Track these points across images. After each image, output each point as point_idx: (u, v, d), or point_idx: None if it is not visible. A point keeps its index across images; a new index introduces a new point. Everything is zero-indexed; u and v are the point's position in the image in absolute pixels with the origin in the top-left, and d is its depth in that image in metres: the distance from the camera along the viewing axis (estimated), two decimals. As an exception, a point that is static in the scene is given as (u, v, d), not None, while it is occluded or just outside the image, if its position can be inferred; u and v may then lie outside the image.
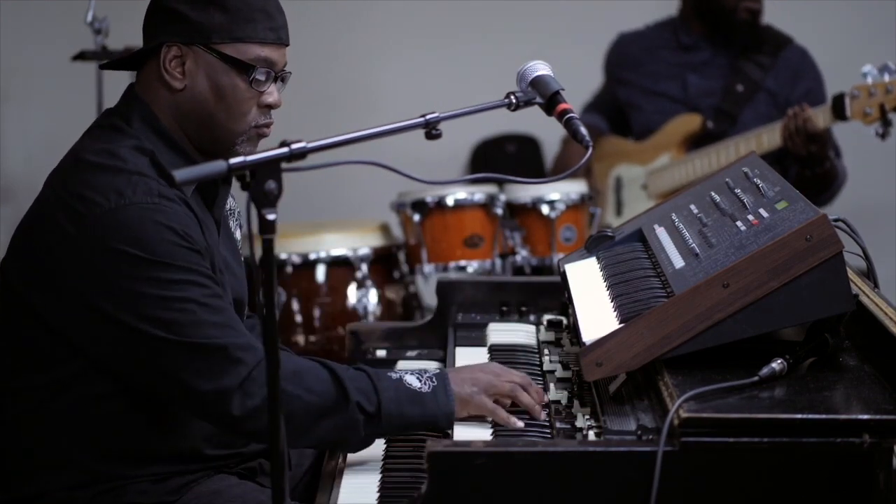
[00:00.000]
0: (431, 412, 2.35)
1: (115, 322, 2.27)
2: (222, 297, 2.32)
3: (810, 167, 4.42)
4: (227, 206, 2.59)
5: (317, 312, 4.36)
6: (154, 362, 2.27)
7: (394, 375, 2.36)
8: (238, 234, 2.64)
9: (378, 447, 2.45)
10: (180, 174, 1.95)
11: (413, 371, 2.39)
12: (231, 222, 2.62)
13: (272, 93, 2.42)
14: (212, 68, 2.38)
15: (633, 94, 4.88)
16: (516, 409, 2.41)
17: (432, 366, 2.79)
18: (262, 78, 2.39)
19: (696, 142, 4.72)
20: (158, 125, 2.40)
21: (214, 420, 2.31)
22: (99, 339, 2.30)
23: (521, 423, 2.38)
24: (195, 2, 2.36)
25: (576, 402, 2.40)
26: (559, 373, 2.56)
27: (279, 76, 2.43)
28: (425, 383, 2.36)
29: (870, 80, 4.22)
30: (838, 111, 4.27)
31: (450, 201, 4.43)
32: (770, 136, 4.44)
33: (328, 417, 2.29)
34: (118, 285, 2.26)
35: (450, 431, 2.38)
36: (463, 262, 4.44)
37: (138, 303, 2.26)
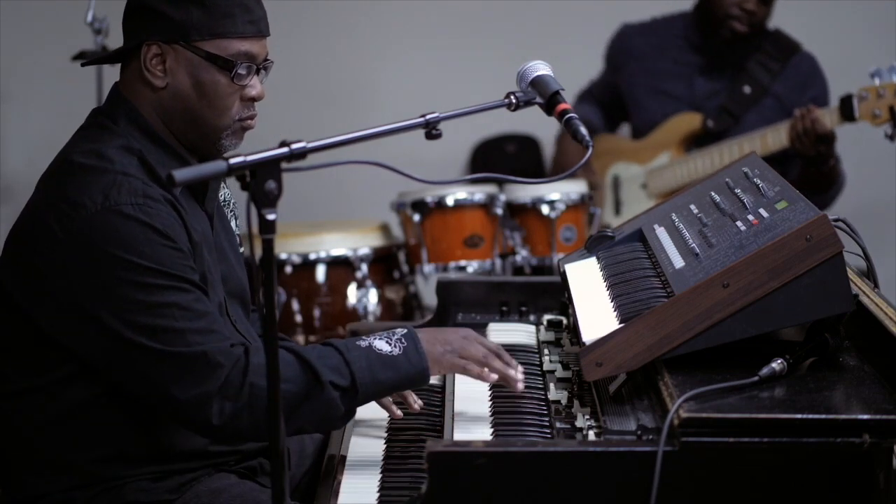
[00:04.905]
0: (405, 373, 2.34)
1: (99, 325, 2.27)
2: (205, 301, 2.32)
3: (816, 165, 4.40)
4: (222, 197, 2.59)
5: (317, 312, 4.36)
6: (135, 367, 2.28)
7: (363, 343, 2.35)
8: (234, 225, 2.64)
9: (378, 447, 2.45)
10: (180, 175, 1.94)
11: (382, 335, 2.37)
12: (226, 212, 2.62)
13: (255, 85, 2.41)
14: (193, 65, 2.38)
15: (634, 89, 4.85)
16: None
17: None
18: (244, 72, 2.39)
19: (696, 141, 4.71)
20: (144, 123, 2.40)
21: (194, 427, 2.31)
22: (85, 343, 2.30)
23: (494, 377, 2.38)
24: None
25: (576, 402, 2.40)
26: (559, 373, 2.56)
27: (261, 68, 2.42)
28: (395, 346, 2.35)
29: (877, 82, 4.20)
30: (846, 113, 4.26)
31: (450, 201, 4.43)
32: (775, 137, 4.43)
33: (305, 402, 2.28)
34: (102, 288, 2.26)
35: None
36: (463, 262, 4.44)
37: (121, 306, 2.26)
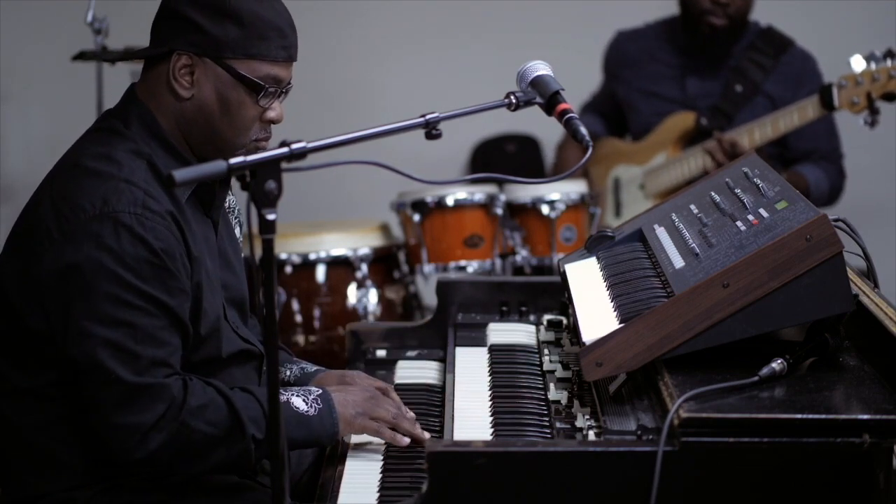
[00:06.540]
0: (316, 434, 2.40)
1: (67, 322, 2.27)
2: (170, 331, 2.31)
3: None
4: (227, 204, 2.59)
5: (317, 312, 4.36)
6: (85, 378, 2.28)
7: (282, 397, 2.37)
8: (238, 232, 2.64)
9: (378, 447, 2.45)
10: (180, 175, 1.95)
11: (300, 392, 2.42)
12: (231, 219, 2.62)
13: (275, 108, 2.42)
14: (221, 82, 2.37)
15: (630, 94, 4.87)
16: None
17: (430, 365, 2.80)
18: (270, 95, 2.39)
19: (691, 140, 4.72)
20: (157, 129, 2.40)
21: (115, 453, 2.30)
22: (57, 339, 2.30)
23: (406, 440, 2.42)
24: (212, 13, 2.34)
25: (576, 402, 2.40)
26: (559, 373, 2.56)
27: (283, 91, 2.43)
28: (311, 406, 2.40)
29: (857, 70, 4.21)
30: (826, 101, 4.26)
31: (450, 201, 4.43)
32: (762, 131, 4.43)
33: (223, 447, 2.32)
34: (80, 290, 2.26)
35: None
36: (463, 262, 4.43)
37: (93, 312, 2.26)
